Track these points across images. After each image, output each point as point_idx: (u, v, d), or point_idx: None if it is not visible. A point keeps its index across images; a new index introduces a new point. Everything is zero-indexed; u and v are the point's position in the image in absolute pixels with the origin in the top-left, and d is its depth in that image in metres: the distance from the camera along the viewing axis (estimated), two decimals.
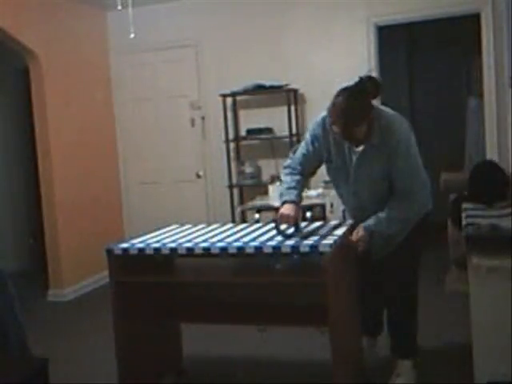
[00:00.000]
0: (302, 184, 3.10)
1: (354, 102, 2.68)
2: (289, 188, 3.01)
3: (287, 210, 2.90)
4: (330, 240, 2.67)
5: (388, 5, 5.35)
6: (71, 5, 5.64)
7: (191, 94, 6.03)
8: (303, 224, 3.13)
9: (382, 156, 2.84)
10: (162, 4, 5.93)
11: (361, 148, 2.87)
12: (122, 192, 6.35)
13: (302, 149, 3.08)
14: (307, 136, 3.06)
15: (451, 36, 6.88)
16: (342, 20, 5.50)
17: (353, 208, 3.13)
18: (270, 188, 4.84)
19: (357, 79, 2.77)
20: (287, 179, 3.06)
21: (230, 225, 3.41)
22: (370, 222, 2.89)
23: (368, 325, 3.38)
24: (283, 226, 2.88)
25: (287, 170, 3.11)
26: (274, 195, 4.74)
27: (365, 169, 2.89)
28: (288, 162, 3.13)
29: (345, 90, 2.74)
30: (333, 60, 5.55)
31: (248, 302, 3.17)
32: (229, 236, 2.96)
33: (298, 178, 3.06)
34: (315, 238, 2.74)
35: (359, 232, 2.90)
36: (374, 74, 2.85)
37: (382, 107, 3.00)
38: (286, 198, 2.97)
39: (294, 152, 3.14)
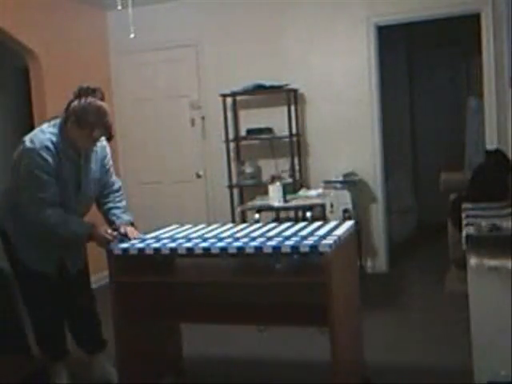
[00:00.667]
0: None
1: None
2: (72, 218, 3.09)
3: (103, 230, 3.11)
4: (329, 240, 2.67)
5: (388, 5, 5.35)
6: (71, 5, 5.64)
7: (191, 93, 6.03)
8: (303, 224, 3.13)
9: (98, 157, 3.31)
10: (162, 4, 5.93)
11: (84, 154, 3.19)
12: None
13: (45, 185, 3.00)
14: (39, 176, 3.00)
15: (451, 36, 6.89)
16: (341, 20, 5.50)
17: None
18: (270, 188, 4.84)
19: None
20: (60, 214, 3.03)
21: (230, 225, 3.41)
22: (126, 216, 3.38)
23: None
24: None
25: (49, 207, 3.00)
26: (274, 195, 4.74)
27: (90, 169, 3.24)
28: (43, 202, 3.00)
29: (90, 104, 3.21)
30: (333, 60, 5.55)
31: (248, 302, 3.17)
32: (229, 236, 2.96)
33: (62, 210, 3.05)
34: (315, 238, 2.74)
35: (133, 230, 3.20)
36: None
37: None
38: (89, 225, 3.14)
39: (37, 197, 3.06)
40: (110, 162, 3.36)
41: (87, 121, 3.02)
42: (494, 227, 2.83)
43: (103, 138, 3.17)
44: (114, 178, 3.42)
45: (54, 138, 3.04)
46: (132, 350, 3.03)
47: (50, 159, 2.97)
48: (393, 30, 5.72)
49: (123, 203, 3.41)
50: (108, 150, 3.34)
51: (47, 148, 2.99)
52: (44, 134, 3.07)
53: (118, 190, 3.45)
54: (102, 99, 3.09)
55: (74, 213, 3.11)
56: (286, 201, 4.76)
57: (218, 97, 5.69)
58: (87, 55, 5.90)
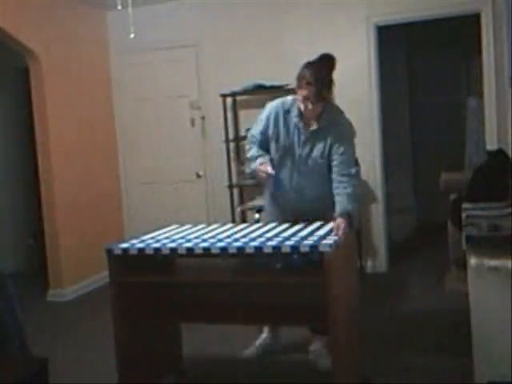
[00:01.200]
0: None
1: (326, 70, 3.12)
2: (258, 154, 3.29)
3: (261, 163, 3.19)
4: (329, 240, 2.67)
5: (388, 5, 5.35)
6: (71, 5, 5.64)
7: (191, 93, 6.02)
8: (302, 224, 3.13)
9: (326, 137, 3.19)
10: (162, 4, 5.93)
11: (312, 128, 3.20)
12: (121, 192, 6.35)
13: (257, 127, 3.37)
14: (262, 117, 3.36)
15: (451, 36, 6.88)
16: (342, 20, 5.49)
17: (290, 191, 3.30)
18: None
19: (318, 56, 3.19)
20: (253, 148, 3.34)
21: (230, 225, 3.41)
22: (342, 205, 3.04)
23: None
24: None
25: (252, 143, 3.38)
26: None
27: (309, 147, 3.21)
28: (249, 137, 3.44)
29: (313, 62, 3.18)
30: None
31: (248, 301, 3.17)
32: (229, 236, 2.96)
33: (260, 151, 3.32)
34: (315, 238, 2.74)
35: (340, 224, 2.92)
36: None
37: (337, 106, 3.36)
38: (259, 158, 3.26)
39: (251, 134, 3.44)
40: (344, 147, 3.19)
41: (298, 77, 3.19)
42: (494, 227, 2.83)
43: (347, 122, 3.25)
44: (347, 162, 3.20)
45: (288, 101, 3.30)
46: (132, 350, 3.03)
47: (272, 113, 3.29)
48: (393, 30, 5.71)
49: (347, 190, 3.10)
50: (349, 133, 3.28)
51: (278, 103, 3.33)
52: (280, 98, 3.38)
53: (347, 175, 3.18)
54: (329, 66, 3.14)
55: (288, 173, 3.27)
56: None
57: (218, 97, 5.68)
58: (87, 55, 5.90)
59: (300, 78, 3.18)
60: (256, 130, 3.38)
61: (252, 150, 3.35)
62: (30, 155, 6.06)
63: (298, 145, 3.24)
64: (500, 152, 4.26)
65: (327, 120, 3.20)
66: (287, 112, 3.27)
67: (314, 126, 3.21)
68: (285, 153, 3.27)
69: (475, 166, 4.42)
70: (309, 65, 3.19)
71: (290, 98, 3.33)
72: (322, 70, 3.11)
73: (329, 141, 3.19)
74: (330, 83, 3.12)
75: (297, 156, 3.25)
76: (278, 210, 3.42)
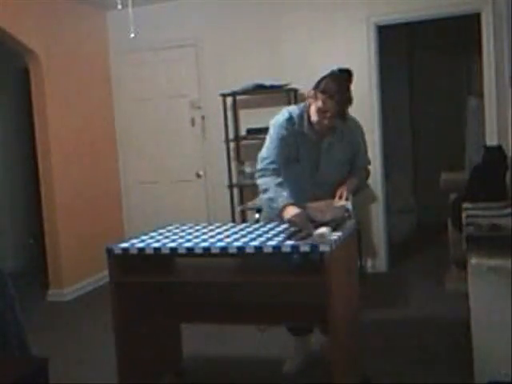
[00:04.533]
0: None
1: (347, 84, 3.09)
2: (280, 190, 3.01)
3: (293, 212, 2.89)
4: (329, 240, 2.66)
5: (388, 5, 5.35)
6: (71, 5, 5.64)
7: (191, 93, 6.02)
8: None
9: (345, 144, 3.17)
10: (162, 4, 5.93)
11: (326, 140, 3.12)
12: (121, 192, 6.35)
13: (274, 150, 3.11)
14: (274, 138, 3.11)
15: (451, 36, 6.88)
16: (342, 20, 5.49)
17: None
18: None
19: (336, 69, 3.23)
20: (273, 181, 3.05)
21: (230, 225, 3.41)
22: (351, 183, 3.15)
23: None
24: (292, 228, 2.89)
25: (269, 172, 3.09)
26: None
27: (332, 156, 3.15)
28: (264, 164, 3.12)
29: (336, 75, 3.14)
30: (333, 60, 5.51)
31: (248, 301, 3.17)
32: (229, 236, 2.96)
33: (280, 179, 3.07)
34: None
35: (342, 192, 3.05)
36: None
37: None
38: (285, 200, 2.96)
39: (262, 157, 3.17)
40: (360, 146, 3.26)
41: (317, 88, 3.04)
42: (494, 227, 2.84)
43: (355, 124, 3.21)
44: (362, 158, 3.30)
45: (294, 115, 3.12)
46: (132, 350, 3.03)
47: (284, 133, 3.10)
48: (393, 30, 5.72)
49: (352, 179, 3.18)
50: (360, 133, 3.27)
51: (286, 121, 3.11)
52: (285, 111, 3.18)
53: (358, 168, 3.27)
54: (350, 81, 3.13)
55: (304, 192, 3.10)
56: None
57: (218, 96, 5.68)
58: (87, 55, 5.90)
59: (322, 90, 3.01)
60: (272, 154, 3.10)
61: (268, 183, 3.06)
62: (30, 155, 6.07)
63: (313, 159, 3.14)
64: (497, 148, 4.25)
65: (341, 131, 3.13)
66: (298, 125, 3.11)
67: (329, 138, 3.13)
68: (303, 170, 3.16)
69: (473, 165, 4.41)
70: (333, 77, 3.09)
71: (293, 108, 3.18)
72: (344, 84, 3.06)
73: (347, 148, 3.18)
74: (351, 99, 3.05)
75: (313, 171, 3.16)
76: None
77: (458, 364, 3.27)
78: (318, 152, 3.14)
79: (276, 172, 3.07)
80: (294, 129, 3.10)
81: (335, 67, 3.33)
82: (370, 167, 3.46)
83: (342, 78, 3.09)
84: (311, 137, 3.11)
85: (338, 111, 2.98)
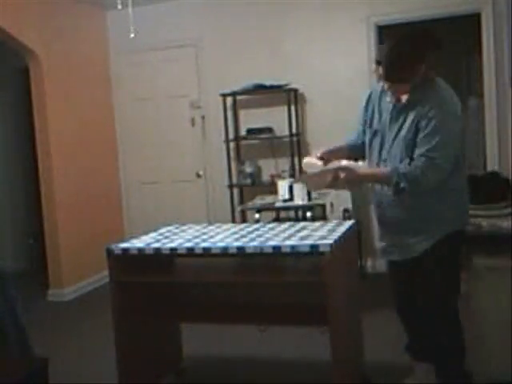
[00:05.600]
0: (341, 148, 2.97)
1: (406, 46, 2.58)
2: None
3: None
4: (329, 240, 2.67)
5: (388, 4, 5.35)
6: (71, 5, 5.64)
7: (191, 93, 6.02)
8: (302, 224, 3.13)
9: (415, 118, 2.59)
10: (162, 4, 5.93)
11: (401, 103, 2.67)
12: (122, 192, 6.35)
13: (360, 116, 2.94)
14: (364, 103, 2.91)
15: (451, 36, 6.88)
16: (342, 19, 5.49)
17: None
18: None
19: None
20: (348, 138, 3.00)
21: (230, 225, 3.41)
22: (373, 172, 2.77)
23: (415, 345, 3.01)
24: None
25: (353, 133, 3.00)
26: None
27: (395, 128, 2.67)
28: None
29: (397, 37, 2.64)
30: (333, 60, 5.54)
31: (248, 301, 3.17)
32: (229, 236, 2.96)
33: (341, 144, 2.99)
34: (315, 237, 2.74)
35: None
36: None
37: (445, 85, 2.76)
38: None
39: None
40: (431, 129, 2.54)
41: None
42: (494, 227, 2.84)
43: (443, 99, 2.61)
44: (431, 151, 2.54)
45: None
46: (132, 350, 3.03)
47: (372, 94, 2.84)
48: (393, 30, 5.71)
49: (381, 171, 2.70)
50: (441, 115, 2.55)
51: (370, 93, 2.87)
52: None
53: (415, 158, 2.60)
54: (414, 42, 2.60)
55: (375, 162, 2.75)
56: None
57: (218, 96, 5.68)
58: (87, 55, 5.90)
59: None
60: (357, 123, 2.92)
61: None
62: (30, 155, 6.07)
63: (386, 126, 2.72)
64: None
65: (419, 93, 2.62)
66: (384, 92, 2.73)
67: (403, 101, 2.66)
68: (374, 137, 2.78)
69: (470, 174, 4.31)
70: (388, 41, 2.70)
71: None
72: (399, 46, 2.57)
73: (408, 128, 2.61)
74: (411, 61, 2.56)
75: (385, 139, 2.72)
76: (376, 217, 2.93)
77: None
78: (390, 117, 2.70)
79: (353, 135, 3.00)
80: (382, 92, 2.78)
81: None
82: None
83: (402, 39, 2.60)
84: (391, 102, 2.71)
85: (389, 77, 2.58)
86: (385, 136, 2.72)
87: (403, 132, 2.62)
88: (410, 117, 2.60)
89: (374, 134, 2.78)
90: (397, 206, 2.70)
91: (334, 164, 2.78)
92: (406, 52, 2.57)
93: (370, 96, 2.85)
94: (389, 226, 2.82)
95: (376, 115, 2.78)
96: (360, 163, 2.74)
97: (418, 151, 2.56)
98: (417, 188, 2.57)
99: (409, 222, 2.71)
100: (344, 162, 2.78)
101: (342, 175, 2.61)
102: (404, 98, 2.66)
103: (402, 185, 2.56)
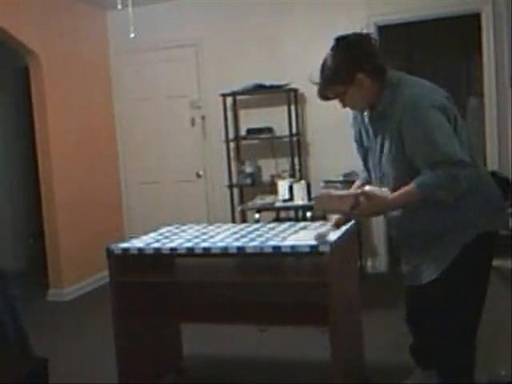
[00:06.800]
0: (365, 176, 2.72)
1: (338, 57, 2.50)
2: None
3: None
4: (330, 240, 2.67)
5: (388, 5, 5.35)
6: (71, 4, 5.64)
7: (191, 93, 6.02)
8: (303, 224, 3.13)
9: (393, 126, 2.34)
10: (162, 4, 5.93)
11: (373, 115, 2.46)
12: (122, 192, 6.35)
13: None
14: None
15: (451, 36, 6.88)
16: (342, 20, 5.48)
17: None
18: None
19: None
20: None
21: (230, 225, 3.41)
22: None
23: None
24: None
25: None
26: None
27: (379, 141, 2.44)
28: None
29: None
30: None
31: (248, 301, 3.17)
32: (229, 236, 2.96)
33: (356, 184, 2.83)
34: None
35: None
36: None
37: (414, 81, 2.45)
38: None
39: None
40: (418, 133, 2.25)
41: None
42: None
43: (403, 93, 2.34)
44: (432, 156, 2.24)
45: None
46: (132, 350, 3.03)
47: (352, 126, 2.66)
48: (393, 30, 5.72)
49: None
50: (415, 113, 2.27)
51: (354, 115, 2.65)
52: None
53: (427, 166, 2.27)
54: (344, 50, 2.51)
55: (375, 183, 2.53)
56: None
57: (218, 96, 5.68)
58: (87, 55, 5.90)
59: None
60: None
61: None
62: (30, 155, 6.06)
63: (370, 141, 2.53)
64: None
65: (388, 97, 2.36)
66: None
67: (374, 112, 2.44)
68: (367, 156, 2.59)
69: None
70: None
71: None
72: (330, 60, 2.53)
73: (389, 139, 2.36)
74: (347, 69, 2.39)
75: (373, 156, 2.53)
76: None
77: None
78: (371, 132, 2.51)
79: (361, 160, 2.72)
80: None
81: None
82: None
83: (332, 51, 2.58)
84: (367, 116, 2.53)
85: (329, 91, 2.46)
86: (376, 151, 2.49)
87: (387, 145, 2.39)
88: (388, 126, 2.37)
89: (367, 152, 2.58)
90: (405, 228, 2.48)
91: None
92: (330, 66, 2.51)
93: (354, 117, 2.65)
94: (404, 250, 2.61)
95: (363, 133, 2.58)
96: (384, 189, 2.38)
97: (418, 163, 2.28)
98: (456, 191, 2.25)
99: (417, 246, 2.48)
100: (368, 188, 2.44)
101: (364, 203, 2.35)
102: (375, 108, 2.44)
103: (438, 194, 2.24)
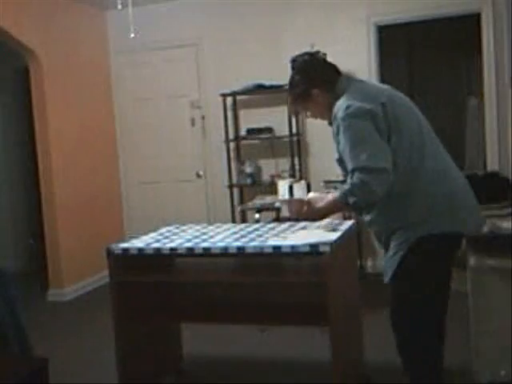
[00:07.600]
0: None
1: (296, 75, 2.69)
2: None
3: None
4: (329, 240, 2.67)
5: (388, 5, 5.35)
6: (71, 5, 5.64)
7: (191, 93, 6.02)
8: (303, 224, 3.13)
9: (336, 133, 2.51)
10: (162, 4, 5.93)
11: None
12: (121, 192, 6.35)
13: None
14: None
15: (451, 36, 6.88)
16: (342, 20, 5.49)
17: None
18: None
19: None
20: None
21: (230, 225, 3.41)
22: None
23: None
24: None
25: None
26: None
27: (336, 149, 2.55)
28: None
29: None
30: (333, 60, 5.45)
31: (248, 301, 3.17)
32: (229, 236, 2.96)
33: None
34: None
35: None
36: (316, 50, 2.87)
37: (356, 87, 2.57)
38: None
39: None
40: (342, 142, 2.41)
41: None
42: (494, 227, 2.83)
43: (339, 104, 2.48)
44: (351, 164, 2.35)
45: None
46: (132, 350, 3.03)
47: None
48: (393, 30, 5.72)
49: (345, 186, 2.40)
50: (340, 122, 2.44)
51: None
52: None
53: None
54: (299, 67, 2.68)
55: None
56: None
57: (218, 96, 5.68)
58: (87, 55, 5.90)
59: None
60: None
61: None
62: (30, 155, 6.06)
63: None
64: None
65: (334, 109, 2.53)
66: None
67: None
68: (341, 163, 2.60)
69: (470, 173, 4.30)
70: None
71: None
72: (291, 80, 2.71)
73: (334, 134, 2.54)
74: (303, 86, 2.61)
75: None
76: None
77: (458, 364, 3.26)
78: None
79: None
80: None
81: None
82: None
83: (293, 71, 2.72)
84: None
85: (296, 105, 2.71)
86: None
87: (337, 155, 2.53)
88: (335, 136, 2.53)
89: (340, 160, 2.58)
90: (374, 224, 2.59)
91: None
92: (291, 86, 2.70)
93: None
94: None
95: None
96: (330, 194, 2.58)
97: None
98: (368, 197, 2.33)
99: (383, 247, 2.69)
100: (311, 195, 2.71)
101: (304, 209, 2.55)
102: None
103: (350, 201, 2.34)
